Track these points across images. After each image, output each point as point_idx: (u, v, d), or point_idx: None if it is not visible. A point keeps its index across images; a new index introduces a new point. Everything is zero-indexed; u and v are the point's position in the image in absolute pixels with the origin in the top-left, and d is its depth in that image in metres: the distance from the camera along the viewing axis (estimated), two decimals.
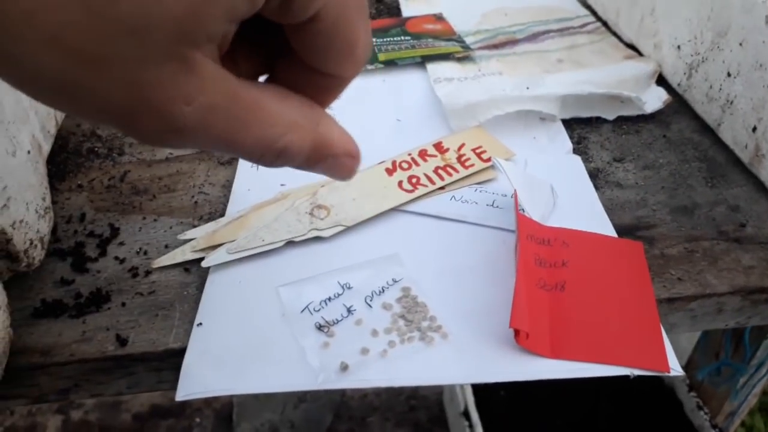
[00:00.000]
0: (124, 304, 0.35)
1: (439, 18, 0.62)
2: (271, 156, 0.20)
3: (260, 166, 0.44)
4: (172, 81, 0.17)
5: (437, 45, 0.55)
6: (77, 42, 0.15)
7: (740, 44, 0.42)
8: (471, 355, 0.31)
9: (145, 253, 0.38)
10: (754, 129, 0.41)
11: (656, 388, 0.79)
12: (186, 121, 0.17)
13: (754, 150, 0.42)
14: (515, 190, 0.38)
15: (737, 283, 0.36)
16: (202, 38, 0.17)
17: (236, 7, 0.17)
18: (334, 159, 0.22)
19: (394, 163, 0.44)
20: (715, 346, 0.83)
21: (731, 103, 0.43)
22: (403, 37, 0.57)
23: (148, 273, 0.37)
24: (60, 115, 0.45)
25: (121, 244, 0.39)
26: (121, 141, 0.48)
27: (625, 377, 0.30)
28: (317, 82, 0.22)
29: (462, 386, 0.85)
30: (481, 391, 0.82)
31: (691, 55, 0.47)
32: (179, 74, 0.17)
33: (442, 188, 0.42)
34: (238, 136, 0.19)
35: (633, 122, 0.48)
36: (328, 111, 0.23)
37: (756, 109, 0.41)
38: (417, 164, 0.44)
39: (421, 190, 0.42)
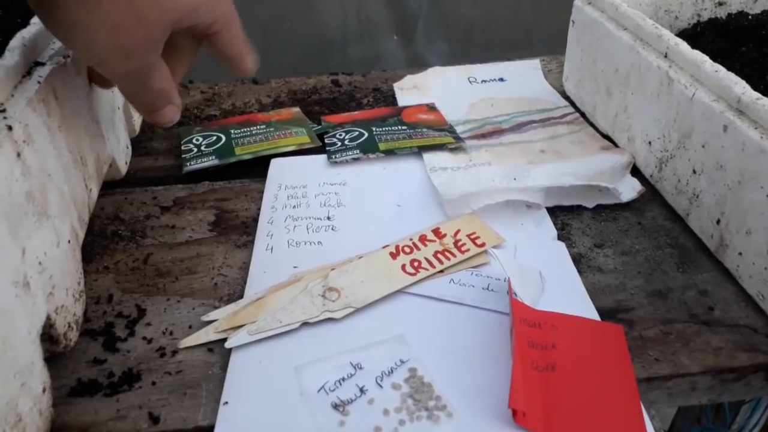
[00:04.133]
0: (154, 383, 0.38)
1: (431, 108, 0.67)
2: (156, 94, 0.42)
3: (274, 250, 0.48)
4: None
5: (431, 135, 0.61)
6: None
7: (703, 146, 0.48)
8: None
9: (171, 333, 0.42)
10: (718, 221, 0.47)
11: None
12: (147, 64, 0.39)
13: (719, 240, 0.47)
14: (508, 277, 0.42)
15: (708, 364, 0.40)
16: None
17: (180, 21, 0.38)
18: (172, 106, 0.43)
19: (397, 247, 0.48)
20: (696, 410, 0.86)
21: (697, 196, 0.49)
22: (400, 127, 0.63)
23: (174, 353, 0.40)
24: (92, 203, 0.49)
25: (148, 324, 0.42)
26: (143, 224, 0.52)
27: None
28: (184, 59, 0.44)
29: None
30: None
31: (661, 151, 0.53)
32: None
33: (441, 271, 0.46)
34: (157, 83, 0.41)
35: (611, 210, 0.54)
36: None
37: (719, 204, 0.46)
38: (418, 248, 0.48)
39: (422, 274, 0.46)
